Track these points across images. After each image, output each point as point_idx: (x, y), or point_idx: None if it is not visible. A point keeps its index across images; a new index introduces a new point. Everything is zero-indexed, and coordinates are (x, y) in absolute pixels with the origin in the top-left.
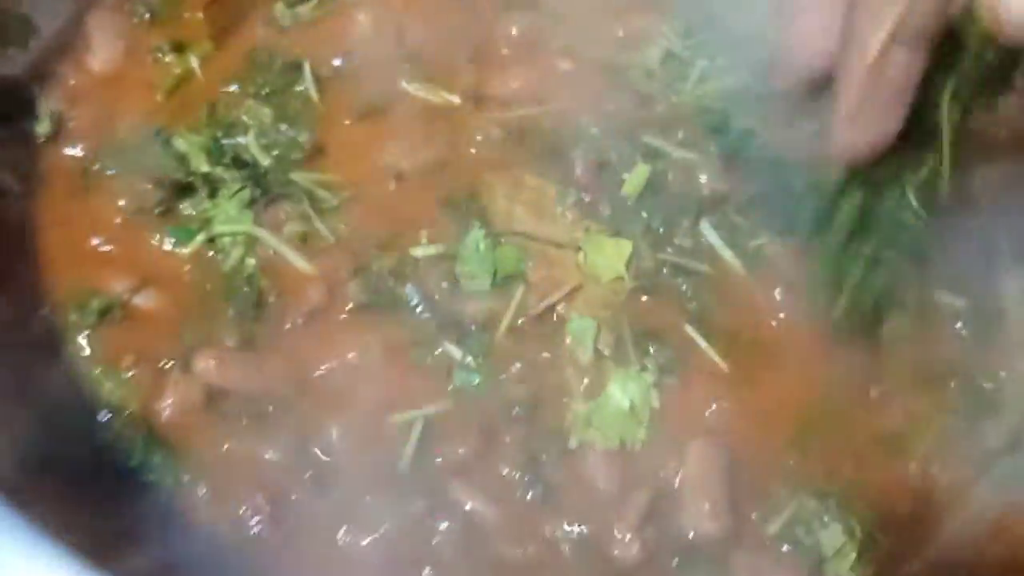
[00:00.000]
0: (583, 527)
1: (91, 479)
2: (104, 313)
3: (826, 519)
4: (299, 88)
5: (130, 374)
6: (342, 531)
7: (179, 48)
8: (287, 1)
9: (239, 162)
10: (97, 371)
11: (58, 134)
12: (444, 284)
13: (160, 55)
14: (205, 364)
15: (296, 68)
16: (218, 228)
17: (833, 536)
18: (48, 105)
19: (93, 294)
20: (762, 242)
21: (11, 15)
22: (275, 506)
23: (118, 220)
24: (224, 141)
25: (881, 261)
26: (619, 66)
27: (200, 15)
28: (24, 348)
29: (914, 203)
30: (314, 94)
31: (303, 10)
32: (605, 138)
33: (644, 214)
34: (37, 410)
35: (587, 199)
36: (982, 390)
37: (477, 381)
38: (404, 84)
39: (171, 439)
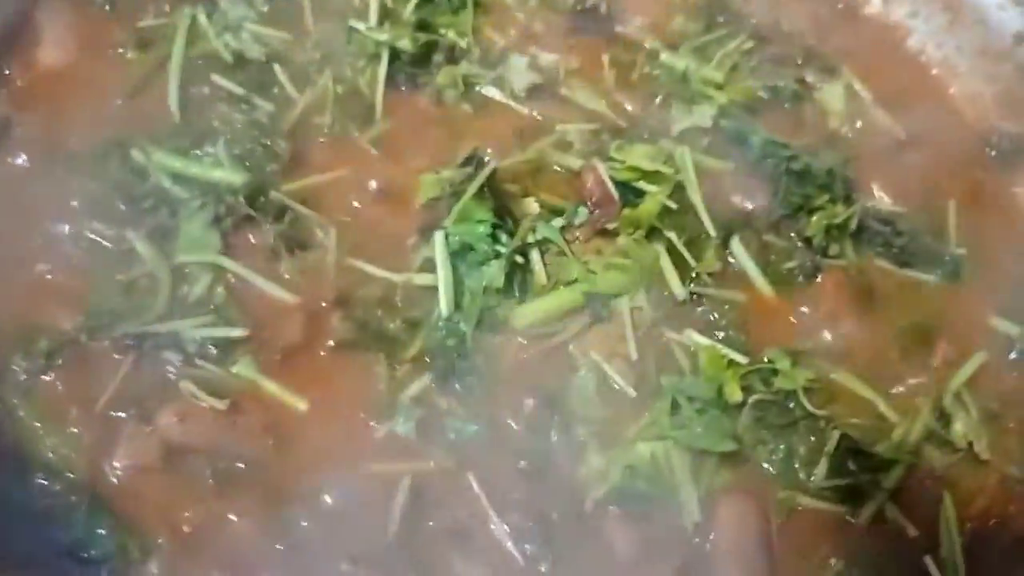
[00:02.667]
0: None
1: (23, 558)
2: (52, 355)
3: None
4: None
5: (76, 429)
6: None
7: (143, 44)
8: None
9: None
10: (38, 424)
11: (1, 141)
12: (434, 316)
13: (121, 51)
14: (168, 420)
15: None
16: (180, 256)
17: None
18: None
19: (39, 332)
20: (797, 264)
21: None
22: None
23: (69, 244)
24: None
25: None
26: (626, 63)
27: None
28: None
29: None
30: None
31: None
32: (616, 144)
33: (668, 233)
34: None
35: (600, 217)
36: None
37: (474, 430)
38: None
39: (121, 506)
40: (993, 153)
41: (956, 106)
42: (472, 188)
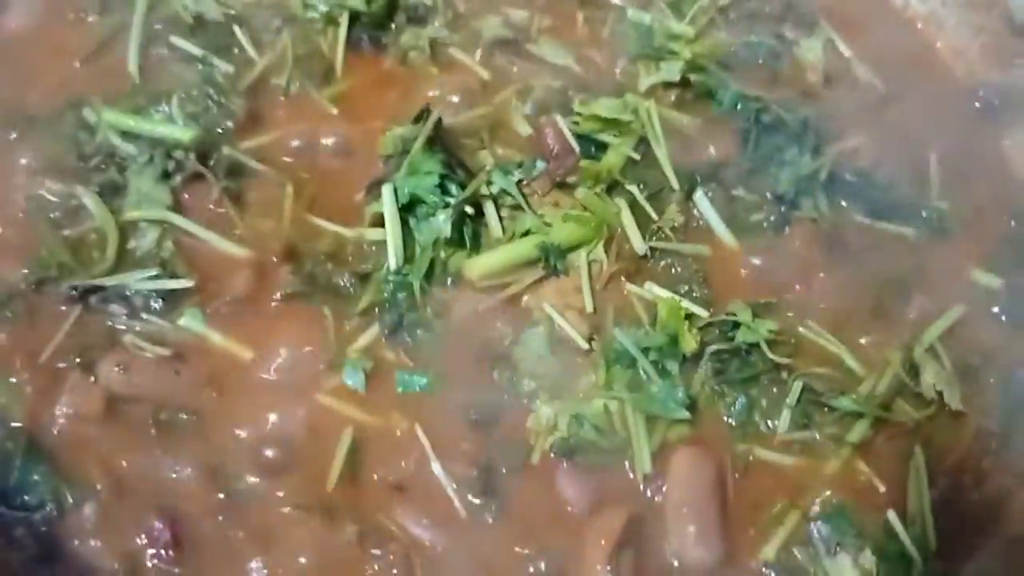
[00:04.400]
0: (548, 553)
1: None
2: (2, 306)
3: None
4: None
5: (19, 379)
6: (255, 562)
7: (105, 7)
8: None
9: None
10: None
11: None
12: (384, 269)
13: (84, 16)
14: (110, 369)
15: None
16: (129, 212)
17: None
18: None
19: None
20: (764, 216)
21: None
22: (177, 533)
23: (21, 200)
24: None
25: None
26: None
27: None
28: None
29: None
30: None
31: None
32: (581, 99)
33: (629, 187)
34: None
35: (558, 168)
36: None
37: (423, 382)
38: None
39: (60, 454)
40: (979, 106)
41: (942, 60)
42: (419, 140)
